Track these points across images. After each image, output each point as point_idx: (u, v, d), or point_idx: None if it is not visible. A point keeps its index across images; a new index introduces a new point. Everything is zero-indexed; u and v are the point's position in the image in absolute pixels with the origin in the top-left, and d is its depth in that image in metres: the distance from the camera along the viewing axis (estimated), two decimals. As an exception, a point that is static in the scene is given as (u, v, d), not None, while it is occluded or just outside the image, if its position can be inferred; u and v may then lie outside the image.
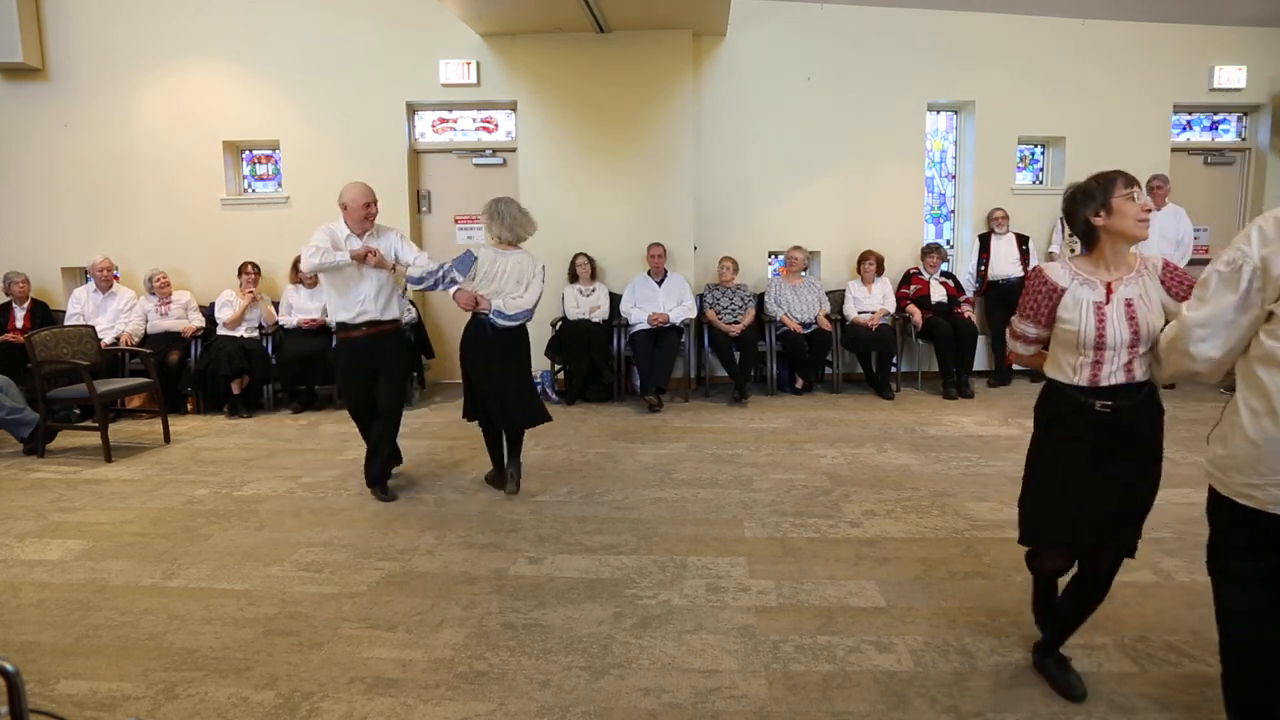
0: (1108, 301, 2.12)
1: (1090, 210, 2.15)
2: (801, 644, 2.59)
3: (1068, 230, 7.37)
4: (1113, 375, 2.13)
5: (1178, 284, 2.15)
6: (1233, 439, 1.83)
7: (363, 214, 3.99)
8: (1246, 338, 1.81)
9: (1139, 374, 2.13)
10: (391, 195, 6.86)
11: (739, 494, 4.09)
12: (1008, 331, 2.38)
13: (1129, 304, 2.11)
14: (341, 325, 4.08)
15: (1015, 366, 6.90)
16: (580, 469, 4.60)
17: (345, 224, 4.03)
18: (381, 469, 4.19)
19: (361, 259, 3.92)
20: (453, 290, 4.03)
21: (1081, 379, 2.15)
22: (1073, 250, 6.80)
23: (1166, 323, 2.10)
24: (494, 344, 4.03)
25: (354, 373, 4.12)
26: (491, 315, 4.00)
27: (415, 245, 4.25)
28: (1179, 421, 4.69)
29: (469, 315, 4.10)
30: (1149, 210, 2.17)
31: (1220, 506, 1.90)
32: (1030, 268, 6.80)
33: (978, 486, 4.15)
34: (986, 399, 6.31)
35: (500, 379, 4.06)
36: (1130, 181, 2.13)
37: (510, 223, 4.10)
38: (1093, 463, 2.16)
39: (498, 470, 4.27)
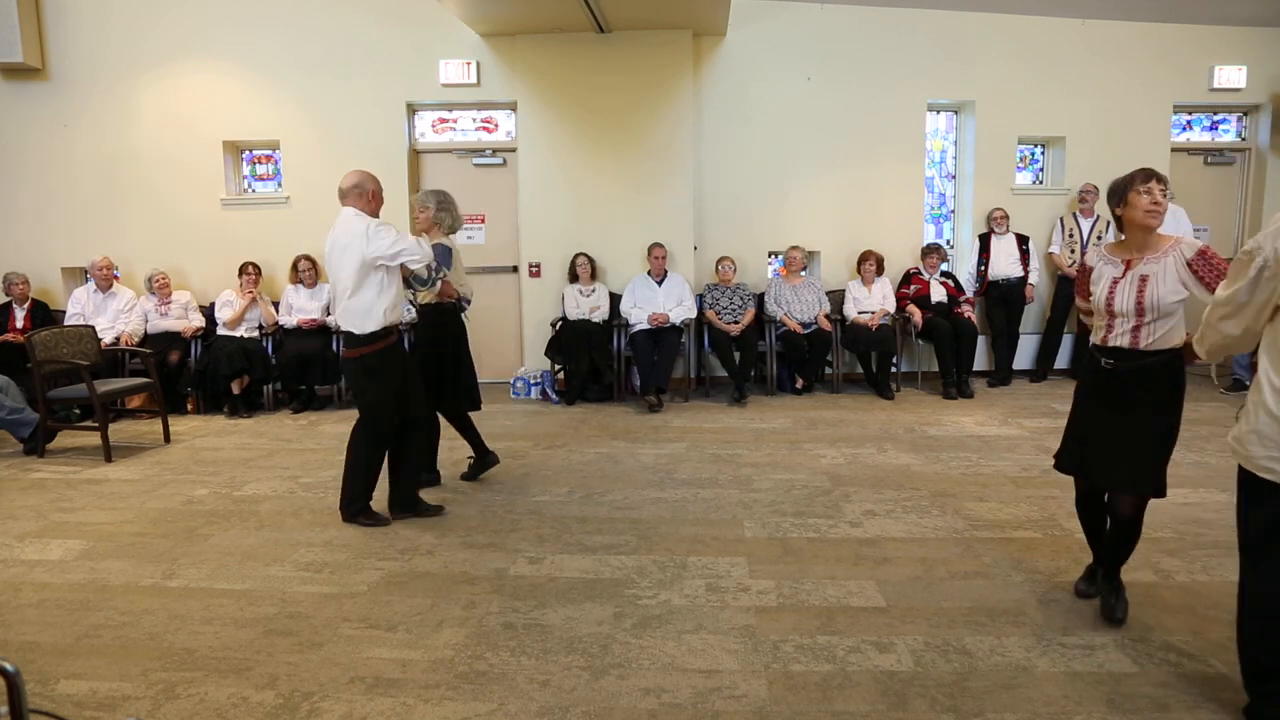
0: (1123, 276, 2.50)
1: (1114, 203, 2.57)
2: (801, 644, 2.59)
3: (1066, 229, 7.42)
4: (1118, 339, 2.53)
5: (1209, 271, 2.39)
6: (1255, 414, 1.96)
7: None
8: (1263, 318, 1.95)
9: (1143, 342, 2.48)
10: (391, 195, 6.80)
11: (739, 494, 4.09)
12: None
13: (1143, 279, 2.46)
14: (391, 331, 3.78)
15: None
16: (580, 469, 4.60)
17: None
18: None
19: None
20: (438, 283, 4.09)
21: (1097, 339, 2.63)
22: (1072, 251, 6.86)
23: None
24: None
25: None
26: (462, 302, 4.26)
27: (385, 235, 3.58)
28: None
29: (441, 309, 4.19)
30: (1157, 204, 2.46)
31: (1243, 485, 2.04)
32: (1031, 268, 6.83)
33: (978, 486, 4.15)
34: (986, 399, 6.31)
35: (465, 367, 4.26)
36: (1148, 177, 2.46)
37: (457, 213, 4.27)
38: (1101, 409, 2.60)
39: (481, 456, 4.40)
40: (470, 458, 4.44)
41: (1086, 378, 2.69)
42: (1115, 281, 2.51)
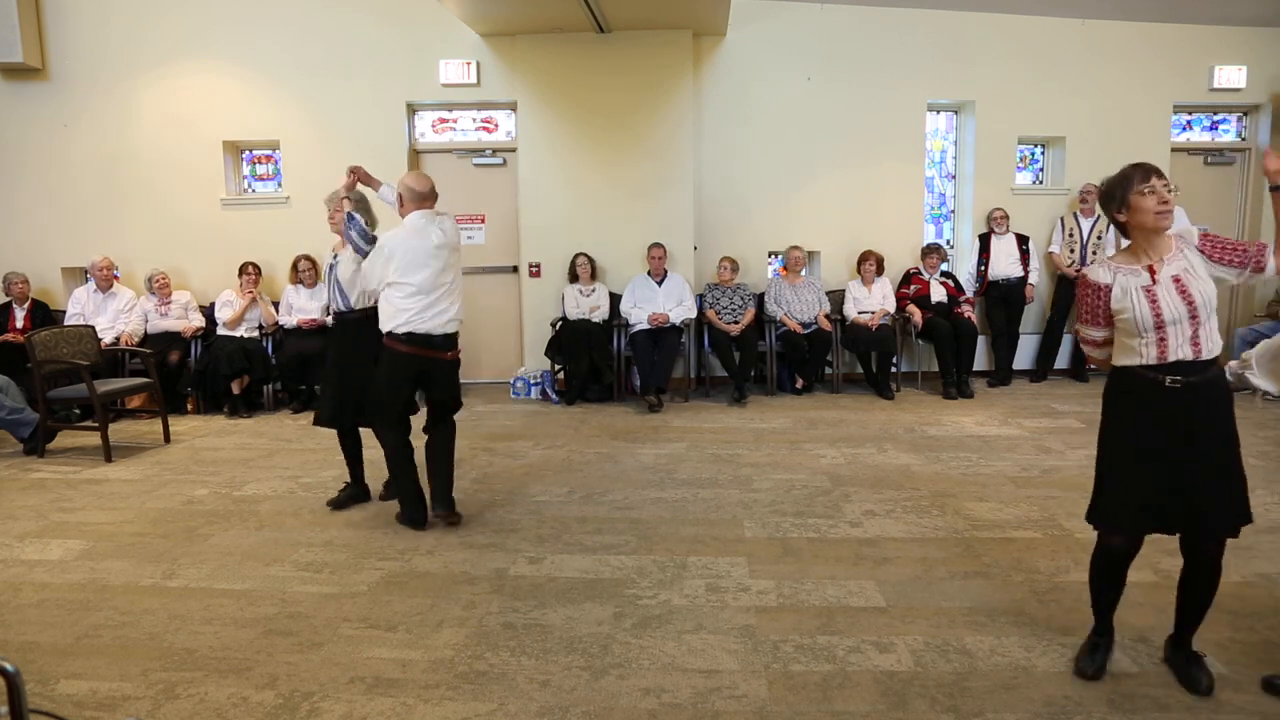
0: (1154, 283, 2.22)
1: (1113, 209, 2.28)
2: (801, 644, 2.59)
3: (1066, 229, 7.39)
4: (1179, 350, 2.19)
5: (1219, 249, 2.25)
6: None
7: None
8: None
9: (1205, 351, 2.20)
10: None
11: (739, 494, 4.09)
12: (1079, 339, 2.48)
13: (1177, 279, 2.21)
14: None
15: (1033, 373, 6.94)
16: (580, 469, 4.60)
17: None
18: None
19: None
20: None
21: (1149, 358, 2.22)
22: (1072, 250, 6.85)
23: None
24: None
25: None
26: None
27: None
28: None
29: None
30: (1166, 201, 2.22)
31: None
32: (1031, 268, 6.84)
33: (978, 486, 4.15)
34: (986, 399, 6.31)
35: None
36: (1147, 174, 2.22)
37: (373, 214, 4.06)
38: (1172, 441, 2.21)
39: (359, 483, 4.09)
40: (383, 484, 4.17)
41: (1139, 409, 2.25)
42: (1149, 290, 2.20)
